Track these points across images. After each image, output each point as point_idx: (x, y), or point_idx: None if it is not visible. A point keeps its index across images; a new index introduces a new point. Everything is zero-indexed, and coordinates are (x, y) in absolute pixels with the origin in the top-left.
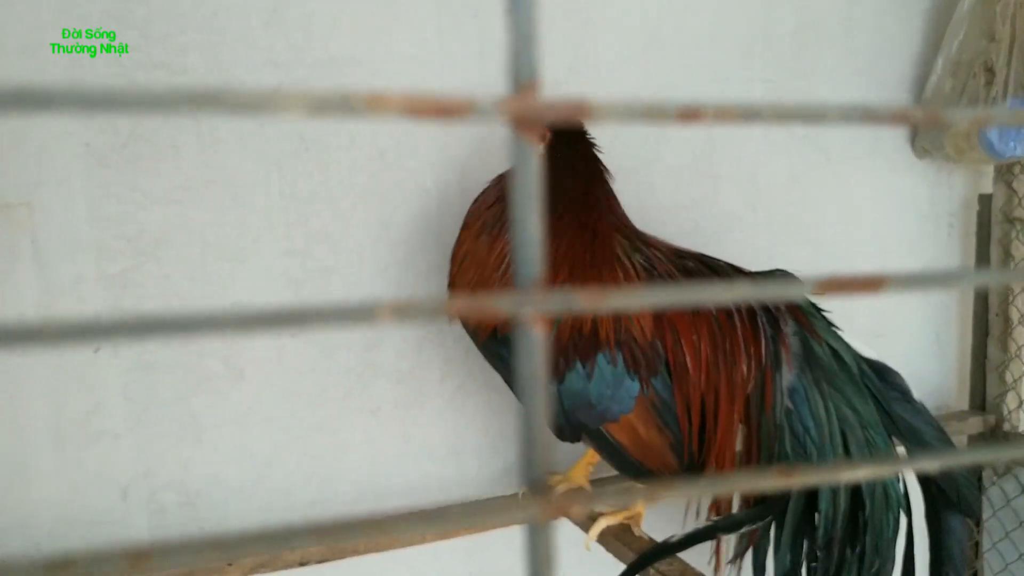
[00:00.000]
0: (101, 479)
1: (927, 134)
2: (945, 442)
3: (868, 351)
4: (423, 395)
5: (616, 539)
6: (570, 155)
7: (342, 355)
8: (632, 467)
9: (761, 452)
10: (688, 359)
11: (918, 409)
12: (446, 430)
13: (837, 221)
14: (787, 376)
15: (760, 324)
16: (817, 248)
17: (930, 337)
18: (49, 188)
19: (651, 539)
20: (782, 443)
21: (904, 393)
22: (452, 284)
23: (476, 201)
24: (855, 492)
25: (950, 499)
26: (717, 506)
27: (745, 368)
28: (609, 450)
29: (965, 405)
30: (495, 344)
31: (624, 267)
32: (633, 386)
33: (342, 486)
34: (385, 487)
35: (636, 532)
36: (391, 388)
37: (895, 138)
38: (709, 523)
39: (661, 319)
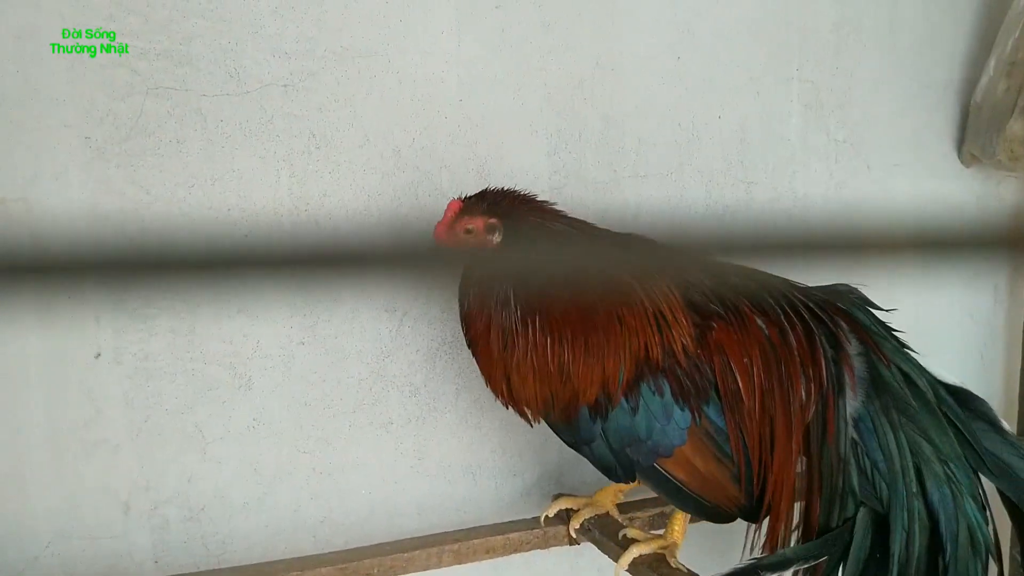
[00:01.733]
0: (101, 491)
1: (977, 140)
2: None
3: (948, 376)
4: (437, 410)
5: (650, 569)
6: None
7: (353, 365)
8: (693, 503)
9: (823, 487)
10: (740, 384)
11: (1011, 442)
12: (461, 447)
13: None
14: (851, 403)
15: (819, 344)
16: (856, 259)
17: (974, 355)
18: (47, 183)
19: (689, 571)
20: (847, 478)
21: (992, 423)
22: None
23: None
24: (933, 532)
25: None
26: (773, 541)
27: (804, 393)
28: (667, 487)
29: (1013, 430)
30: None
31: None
32: (684, 416)
33: (352, 504)
34: (397, 506)
35: (672, 564)
36: (403, 401)
37: (941, 144)
38: (751, 560)
39: (707, 340)
